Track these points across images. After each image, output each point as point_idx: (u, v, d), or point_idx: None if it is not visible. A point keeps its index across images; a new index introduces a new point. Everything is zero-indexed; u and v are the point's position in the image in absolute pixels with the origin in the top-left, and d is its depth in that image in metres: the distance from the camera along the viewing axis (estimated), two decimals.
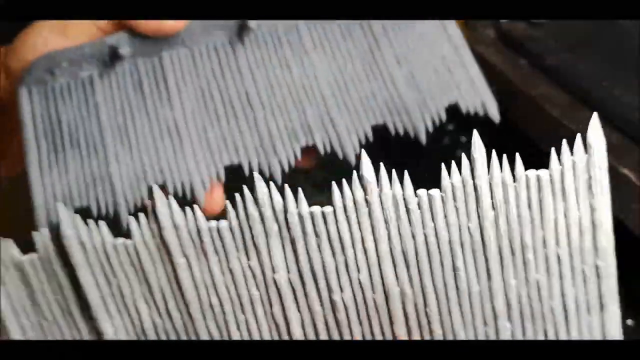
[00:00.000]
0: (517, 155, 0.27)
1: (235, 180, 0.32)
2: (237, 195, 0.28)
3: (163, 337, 0.31)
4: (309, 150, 0.33)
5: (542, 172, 0.27)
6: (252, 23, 0.34)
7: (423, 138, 0.34)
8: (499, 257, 0.28)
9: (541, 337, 0.29)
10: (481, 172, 0.27)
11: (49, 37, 0.34)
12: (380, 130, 0.34)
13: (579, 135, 0.26)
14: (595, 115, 0.26)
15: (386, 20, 0.35)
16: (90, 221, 0.29)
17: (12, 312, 0.31)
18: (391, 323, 0.29)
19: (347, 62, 0.35)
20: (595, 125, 0.26)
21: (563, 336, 0.29)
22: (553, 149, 0.26)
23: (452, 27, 0.36)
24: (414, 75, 0.35)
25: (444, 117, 0.34)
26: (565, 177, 0.27)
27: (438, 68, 0.35)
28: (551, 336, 0.29)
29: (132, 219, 0.29)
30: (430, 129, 0.34)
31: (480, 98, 0.35)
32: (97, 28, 0.35)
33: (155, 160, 0.33)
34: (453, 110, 0.35)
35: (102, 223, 0.29)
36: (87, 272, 0.30)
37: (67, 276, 0.30)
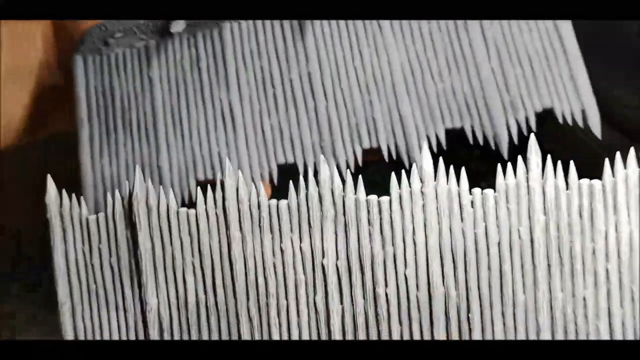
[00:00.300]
0: (572, 162, 0.28)
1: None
2: (300, 176, 0.30)
3: (203, 315, 0.31)
4: (372, 150, 0.34)
5: (595, 182, 0.28)
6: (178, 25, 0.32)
7: (505, 150, 0.30)
8: (546, 264, 0.28)
9: None
10: (536, 175, 0.28)
11: None
12: (454, 132, 0.31)
13: (632, 149, 0.28)
14: None
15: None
16: (160, 187, 0.31)
17: (64, 271, 0.32)
18: (431, 325, 0.29)
19: (428, 49, 0.31)
20: None
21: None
22: (607, 160, 0.28)
23: (566, 27, 0.32)
24: (505, 71, 0.31)
25: (533, 124, 0.30)
26: (618, 189, 0.28)
27: (535, 65, 0.31)
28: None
29: (198, 189, 0.31)
30: (516, 139, 0.30)
31: (581, 105, 0.31)
32: None
33: (207, 152, 0.32)
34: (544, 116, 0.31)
35: (170, 191, 0.31)
36: (147, 235, 0.31)
37: (127, 239, 0.32)
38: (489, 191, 0.28)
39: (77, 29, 0.35)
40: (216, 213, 0.31)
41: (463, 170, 0.29)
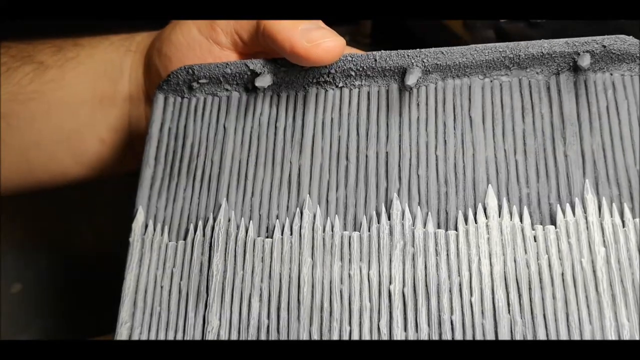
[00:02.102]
0: (626, 205, 0.31)
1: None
2: (373, 210, 0.33)
3: (263, 339, 0.31)
4: None
5: None
6: (412, 77, 0.32)
7: None
8: (610, 292, 0.29)
9: None
10: (592, 211, 0.30)
11: (197, 38, 0.35)
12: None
13: None
14: None
15: (582, 110, 0.32)
16: (242, 219, 0.34)
17: (133, 292, 0.33)
18: None
19: (518, 151, 0.32)
20: None
21: None
22: None
23: None
24: (599, 189, 0.31)
25: None
26: None
27: (634, 188, 0.31)
28: None
29: (277, 220, 0.33)
30: None
31: None
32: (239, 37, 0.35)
33: (266, 213, 0.32)
34: None
35: (252, 222, 0.33)
36: (221, 259, 0.33)
37: (200, 264, 0.33)
38: (550, 227, 0.31)
39: (166, 68, 0.37)
40: (291, 241, 0.33)
41: (526, 208, 0.31)
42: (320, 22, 0.34)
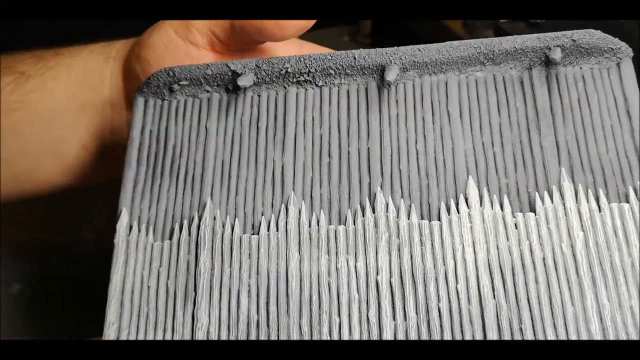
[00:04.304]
0: (601, 191, 0.32)
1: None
2: (357, 204, 0.33)
3: (253, 334, 0.31)
4: None
5: (624, 205, 0.31)
6: (392, 74, 0.32)
7: None
8: (590, 274, 0.30)
9: None
10: (569, 198, 0.32)
11: (174, 40, 0.35)
12: None
13: None
14: None
15: (555, 102, 0.33)
16: (227, 217, 0.34)
17: (119, 293, 0.33)
18: (485, 336, 0.30)
19: (496, 143, 0.33)
20: None
21: None
22: (631, 188, 0.32)
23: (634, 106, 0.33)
24: (574, 177, 0.32)
25: None
26: None
27: (607, 175, 0.32)
28: None
29: (262, 217, 0.33)
30: None
31: None
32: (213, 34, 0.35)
33: (251, 211, 0.33)
34: None
35: (237, 219, 0.34)
36: (208, 257, 0.33)
37: (187, 263, 0.33)
38: (530, 215, 0.32)
39: (145, 72, 0.37)
40: (277, 237, 0.33)
41: (506, 197, 0.32)
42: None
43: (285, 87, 0.35)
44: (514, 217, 0.32)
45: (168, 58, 0.38)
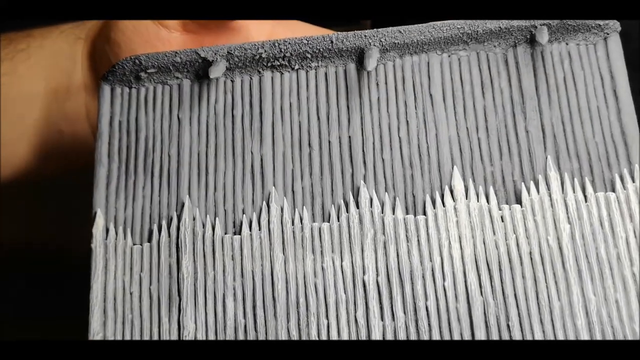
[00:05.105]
0: (587, 179, 0.31)
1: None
2: (341, 199, 0.33)
3: (241, 339, 0.31)
4: None
5: (610, 194, 0.31)
6: (371, 61, 0.31)
7: None
8: (577, 268, 0.30)
9: None
10: (556, 188, 0.31)
11: (144, 22, 0.34)
12: None
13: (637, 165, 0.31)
14: None
15: (540, 83, 0.32)
16: (207, 216, 0.33)
17: (102, 302, 0.32)
18: (472, 335, 0.30)
19: (480, 129, 0.32)
20: None
21: None
22: (617, 175, 0.31)
23: (630, 128, 0.32)
24: (560, 163, 0.31)
25: None
26: (631, 200, 0.31)
27: (594, 160, 0.31)
28: None
29: (243, 215, 0.33)
30: None
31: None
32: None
33: (231, 208, 0.32)
34: None
35: (217, 219, 0.33)
36: (190, 260, 0.32)
37: (169, 266, 0.32)
38: (516, 206, 0.31)
39: (117, 55, 0.35)
40: (260, 236, 0.32)
41: (492, 188, 0.32)
42: None
43: (259, 72, 0.34)
44: (500, 209, 0.31)
45: (137, 40, 0.36)
